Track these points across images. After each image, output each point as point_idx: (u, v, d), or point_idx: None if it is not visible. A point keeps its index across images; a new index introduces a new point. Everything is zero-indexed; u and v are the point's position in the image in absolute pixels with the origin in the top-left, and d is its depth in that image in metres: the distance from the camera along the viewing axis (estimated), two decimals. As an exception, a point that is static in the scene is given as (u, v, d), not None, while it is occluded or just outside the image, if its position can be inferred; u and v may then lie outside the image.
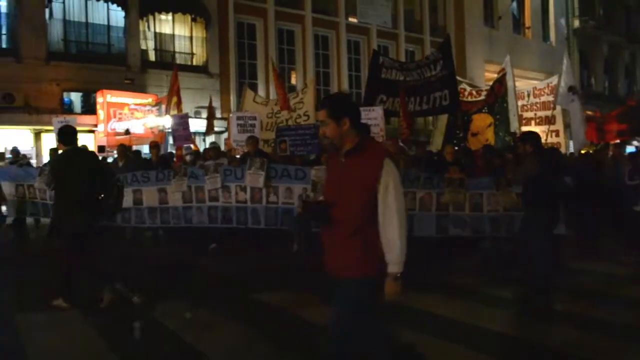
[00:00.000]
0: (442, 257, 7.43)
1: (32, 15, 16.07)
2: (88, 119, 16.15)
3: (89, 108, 16.89)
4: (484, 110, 11.08)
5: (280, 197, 7.76)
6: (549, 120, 11.66)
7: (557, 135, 11.61)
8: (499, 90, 10.79)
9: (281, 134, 9.75)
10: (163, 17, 18.76)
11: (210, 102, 13.54)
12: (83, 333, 4.61)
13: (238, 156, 9.58)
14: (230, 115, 11.29)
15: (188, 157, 9.46)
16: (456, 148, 9.74)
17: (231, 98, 19.33)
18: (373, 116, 9.76)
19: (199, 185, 8.16)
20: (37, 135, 16.14)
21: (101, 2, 17.21)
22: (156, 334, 4.54)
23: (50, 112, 15.84)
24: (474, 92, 12.41)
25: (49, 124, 15.52)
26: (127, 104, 15.83)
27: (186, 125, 10.65)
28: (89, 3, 17.18)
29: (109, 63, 17.17)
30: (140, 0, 17.66)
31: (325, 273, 2.80)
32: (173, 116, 11.37)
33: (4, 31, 16.43)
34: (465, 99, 11.89)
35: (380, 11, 23.44)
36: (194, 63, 19.27)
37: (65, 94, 16.71)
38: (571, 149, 10.69)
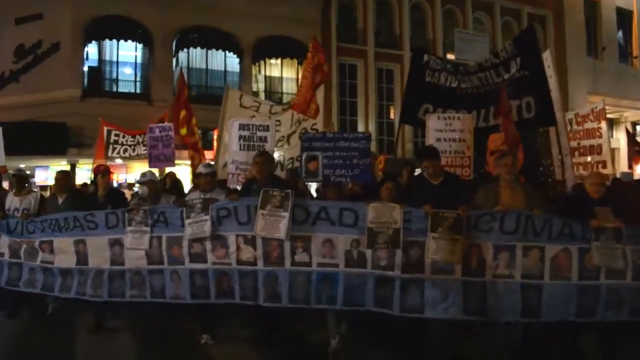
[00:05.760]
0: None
1: (161, 65, 18.56)
2: (208, 154, 17.88)
3: (208, 145, 18.70)
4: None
5: (314, 254, 4.74)
6: (595, 150, 10.01)
7: (605, 166, 9.39)
8: None
9: (310, 146, 5.74)
10: (272, 62, 20.72)
11: None
12: None
13: (232, 186, 6.64)
14: (229, 121, 7.61)
15: (139, 191, 6.17)
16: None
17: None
18: (458, 127, 6.84)
19: (173, 235, 5.17)
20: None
21: (219, 51, 19.53)
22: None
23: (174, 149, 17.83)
24: None
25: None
26: (240, 141, 17.35)
27: (168, 141, 7.79)
28: (209, 52, 19.49)
29: (225, 104, 19.01)
30: (253, 48, 19.70)
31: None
32: (150, 127, 8.41)
33: (138, 78, 18.98)
34: None
35: (477, 47, 23.64)
36: (300, 102, 20.73)
37: (187, 133, 18.61)
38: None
